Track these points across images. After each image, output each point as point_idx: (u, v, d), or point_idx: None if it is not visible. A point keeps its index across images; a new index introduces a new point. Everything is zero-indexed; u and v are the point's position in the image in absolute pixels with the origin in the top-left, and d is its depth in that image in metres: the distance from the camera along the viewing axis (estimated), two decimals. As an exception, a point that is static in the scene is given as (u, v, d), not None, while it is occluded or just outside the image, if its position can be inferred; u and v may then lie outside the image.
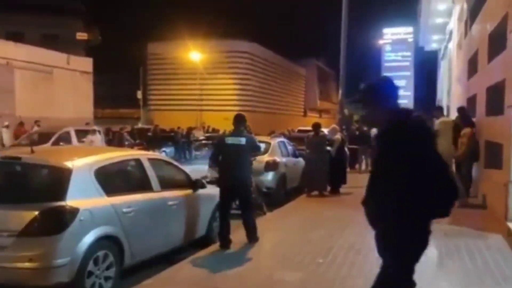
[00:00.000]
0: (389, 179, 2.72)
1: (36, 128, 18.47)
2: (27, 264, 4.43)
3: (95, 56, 31.58)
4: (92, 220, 4.84)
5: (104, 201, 5.09)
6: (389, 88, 2.99)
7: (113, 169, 5.57)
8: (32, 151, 5.25)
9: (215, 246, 6.75)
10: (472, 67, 11.99)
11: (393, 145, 2.72)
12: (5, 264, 4.41)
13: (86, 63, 29.40)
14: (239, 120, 7.07)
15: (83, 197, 4.87)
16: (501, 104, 7.85)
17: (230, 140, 6.89)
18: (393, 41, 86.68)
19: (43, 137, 15.39)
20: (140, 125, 37.84)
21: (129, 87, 51.99)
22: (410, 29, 76.95)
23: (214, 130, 33.59)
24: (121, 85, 57.92)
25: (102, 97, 42.08)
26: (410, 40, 79.28)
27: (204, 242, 6.97)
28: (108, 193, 5.17)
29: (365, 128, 18.43)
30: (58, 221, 4.60)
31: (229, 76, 54.47)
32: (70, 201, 4.71)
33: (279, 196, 11.03)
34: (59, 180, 4.86)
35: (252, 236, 6.94)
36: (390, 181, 2.72)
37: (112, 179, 5.42)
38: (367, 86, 3.09)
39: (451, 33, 19.39)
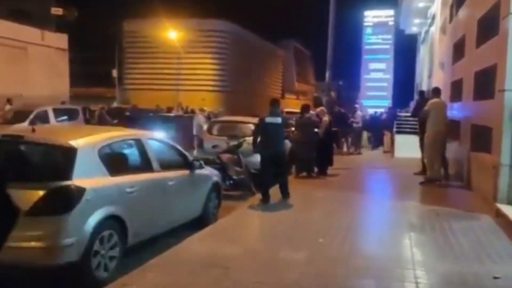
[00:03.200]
0: None
1: (8, 107, 17.86)
2: (35, 244, 4.36)
3: (69, 33, 30.58)
4: (97, 199, 4.78)
5: (108, 180, 5.03)
6: None
7: (116, 149, 5.50)
8: (33, 130, 5.11)
9: (214, 226, 6.76)
10: (457, 51, 12.18)
11: None
12: (12, 244, 4.25)
13: (61, 40, 28.47)
14: (274, 103, 8.87)
15: (88, 177, 4.80)
16: (492, 88, 8.02)
17: (269, 120, 8.49)
18: (374, 24, 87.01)
19: (19, 116, 14.87)
20: (116, 105, 37.19)
21: (104, 66, 50.85)
22: (391, 12, 77.29)
23: (192, 111, 33.25)
24: (95, 63, 56.61)
25: (76, 75, 41.06)
26: (391, 23, 79.64)
27: (200, 222, 6.95)
28: (112, 172, 5.10)
29: (342, 110, 18.57)
30: (66, 200, 4.53)
31: (207, 56, 53.94)
32: (76, 180, 4.63)
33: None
34: (64, 159, 4.77)
35: (285, 193, 8.53)
36: None
37: (115, 159, 5.34)
38: None
39: (433, 17, 19.59)
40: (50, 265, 4.49)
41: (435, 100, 10.16)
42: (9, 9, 44.81)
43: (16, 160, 4.94)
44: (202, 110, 22.23)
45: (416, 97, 23.59)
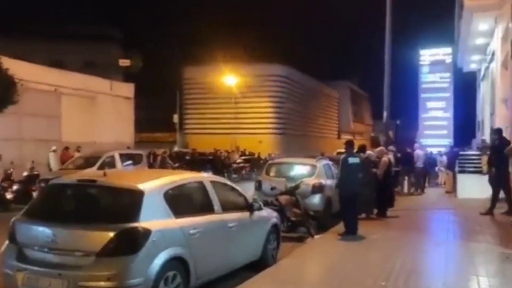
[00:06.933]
0: None
1: (77, 154, 18.99)
2: (104, 284, 4.58)
3: (132, 81, 32.42)
4: (163, 241, 4.99)
5: (173, 222, 5.24)
6: None
7: (180, 192, 5.74)
8: (105, 174, 5.48)
9: (273, 268, 6.79)
10: (521, 87, 11.80)
11: None
12: (85, 283, 4.58)
13: (127, 89, 30.20)
14: (351, 145, 9.83)
15: (155, 219, 5.03)
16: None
17: (351, 160, 9.30)
18: (431, 62, 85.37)
19: (89, 162, 15.80)
20: (176, 149, 38.46)
21: (165, 111, 52.93)
22: (448, 50, 75.51)
23: (250, 154, 33.79)
24: (156, 109, 59.01)
25: (139, 121, 43.13)
26: (448, 61, 77.86)
27: (259, 264, 6.98)
28: (176, 214, 5.32)
29: (408, 150, 18.27)
30: (133, 241, 4.75)
31: (263, 100, 54.87)
32: (143, 223, 4.87)
33: (325, 219, 10.97)
34: (132, 202, 5.03)
35: (353, 230, 9.08)
36: None
37: (179, 201, 5.57)
38: None
39: (493, 53, 19.12)
40: (118, 304, 4.69)
41: None
42: (83, 61, 48.32)
43: (89, 202, 5.30)
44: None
45: (481, 135, 22.79)
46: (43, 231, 4.91)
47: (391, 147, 16.50)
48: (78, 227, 4.90)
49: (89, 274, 4.62)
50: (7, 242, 5.10)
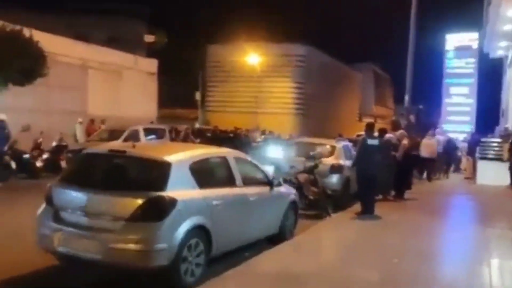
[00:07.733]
0: None
1: (102, 127, 19.46)
2: (133, 246, 4.90)
3: (156, 57, 32.72)
4: (187, 210, 5.29)
5: (197, 193, 5.54)
6: None
7: (205, 165, 6.02)
8: (134, 146, 5.79)
9: (290, 243, 7.06)
10: (547, 75, 11.69)
11: None
12: (115, 245, 4.92)
13: (151, 64, 30.58)
14: (371, 127, 10.10)
15: (180, 189, 5.33)
16: None
17: (370, 142, 9.51)
18: (456, 47, 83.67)
19: (114, 134, 16.20)
20: (198, 126, 38.84)
21: (187, 88, 53.29)
22: (475, 35, 73.71)
23: (270, 133, 33.93)
24: (179, 86, 59.42)
25: (161, 97, 43.52)
26: (475, 47, 76.13)
27: (276, 239, 7.24)
28: (200, 186, 5.61)
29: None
30: (160, 209, 5.06)
31: (285, 80, 54.71)
32: (169, 192, 5.17)
33: (343, 199, 11.18)
34: (160, 173, 5.32)
35: (370, 210, 9.32)
36: None
37: (203, 174, 5.84)
38: None
39: (521, 40, 18.79)
40: (144, 267, 5.01)
41: None
42: (108, 36, 48.74)
43: (120, 171, 5.63)
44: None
45: (505, 122, 22.52)
46: (77, 196, 5.26)
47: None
48: (110, 194, 5.22)
49: (119, 237, 4.96)
50: (44, 204, 5.47)
